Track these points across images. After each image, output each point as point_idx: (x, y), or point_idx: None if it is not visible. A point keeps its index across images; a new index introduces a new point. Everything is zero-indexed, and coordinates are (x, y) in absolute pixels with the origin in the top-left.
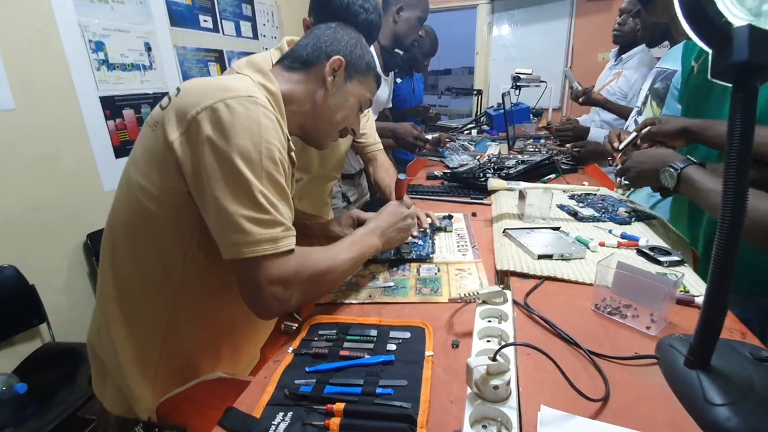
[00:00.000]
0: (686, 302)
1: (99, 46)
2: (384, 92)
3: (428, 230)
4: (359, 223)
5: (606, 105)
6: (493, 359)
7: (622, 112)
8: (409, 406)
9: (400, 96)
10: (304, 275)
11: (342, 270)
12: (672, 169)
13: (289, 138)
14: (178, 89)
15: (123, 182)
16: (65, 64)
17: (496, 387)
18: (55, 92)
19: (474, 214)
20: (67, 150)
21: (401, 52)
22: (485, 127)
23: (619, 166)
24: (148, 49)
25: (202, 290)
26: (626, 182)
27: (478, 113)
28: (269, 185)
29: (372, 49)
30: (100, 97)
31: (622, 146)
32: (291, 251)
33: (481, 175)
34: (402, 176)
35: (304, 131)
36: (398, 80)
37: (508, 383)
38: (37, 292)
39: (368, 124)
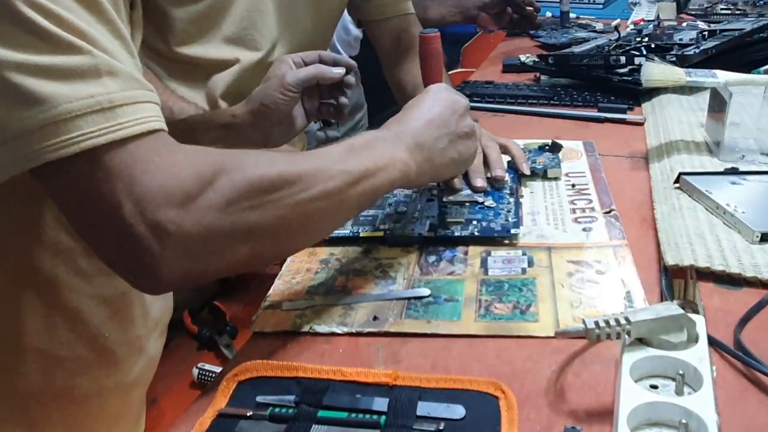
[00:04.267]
0: None
1: None
2: None
3: (508, 179)
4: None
5: None
6: None
7: None
8: None
9: None
10: (226, 185)
11: (322, 190)
12: None
13: None
14: None
15: None
16: None
17: None
18: None
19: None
20: None
21: None
22: None
23: None
24: None
25: None
26: None
27: None
28: None
29: None
30: None
31: None
32: (159, 132)
33: (622, 59)
34: (429, 30)
35: None
36: None
37: None
38: None
39: None
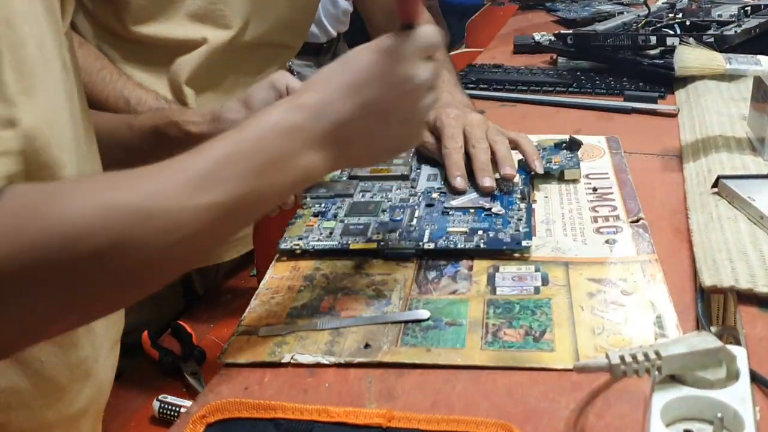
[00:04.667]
0: None
1: None
2: None
3: (519, 181)
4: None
5: None
6: None
7: None
8: None
9: None
10: (22, 259)
11: (171, 241)
12: None
13: None
14: None
15: None
16: None
17: None
18: None
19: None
20: None
21: None
22: None
23: None
24: None
25: None
26: None
27: None
28: None
29: None
30: None
31: None
32: None
33: (652, 40)
34: None
35: None
36: None
37: None
38: None
39: None
